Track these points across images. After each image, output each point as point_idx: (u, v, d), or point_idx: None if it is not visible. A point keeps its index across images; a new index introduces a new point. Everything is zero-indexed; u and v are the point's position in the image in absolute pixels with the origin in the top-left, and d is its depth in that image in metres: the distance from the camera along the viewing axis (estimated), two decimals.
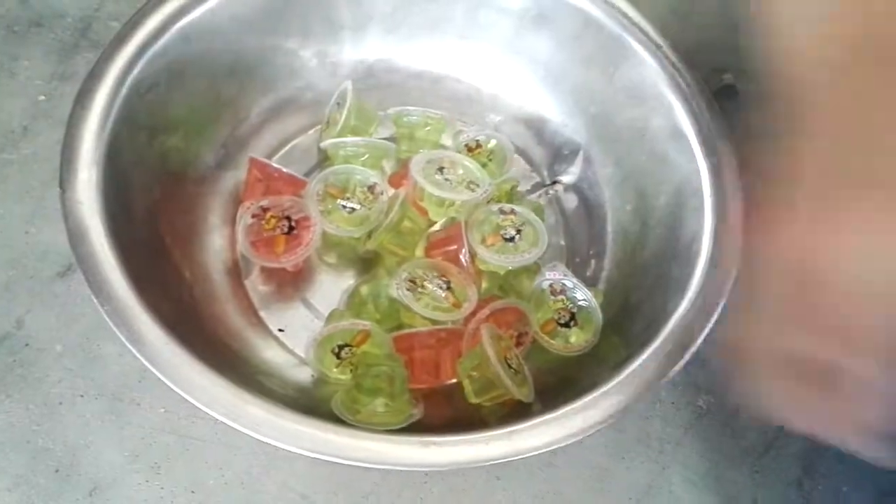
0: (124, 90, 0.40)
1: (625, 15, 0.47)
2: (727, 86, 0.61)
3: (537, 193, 0.52)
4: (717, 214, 0.42)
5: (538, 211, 0.49)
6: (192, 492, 0.41)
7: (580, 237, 0.50)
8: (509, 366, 0.39)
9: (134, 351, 0.34)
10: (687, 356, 0.38)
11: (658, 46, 0.47)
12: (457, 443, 0.34)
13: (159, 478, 0.41)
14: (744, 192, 0.42)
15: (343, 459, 0.33)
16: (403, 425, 0.37)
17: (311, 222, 0.43)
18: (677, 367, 0.37)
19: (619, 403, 0.36)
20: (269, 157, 0.50)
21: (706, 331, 0.38)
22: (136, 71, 0.41)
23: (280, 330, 0.45)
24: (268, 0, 0.46)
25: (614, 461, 0.44)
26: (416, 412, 0.38)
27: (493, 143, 0.50)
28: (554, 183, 0.52)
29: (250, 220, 0.43)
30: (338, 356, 0.41)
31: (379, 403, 0.37)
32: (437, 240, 0.46)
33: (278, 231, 0.43)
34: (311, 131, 0.52)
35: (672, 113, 0.46)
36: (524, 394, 0.38)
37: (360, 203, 0.45)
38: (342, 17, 0.49)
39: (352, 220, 0.45)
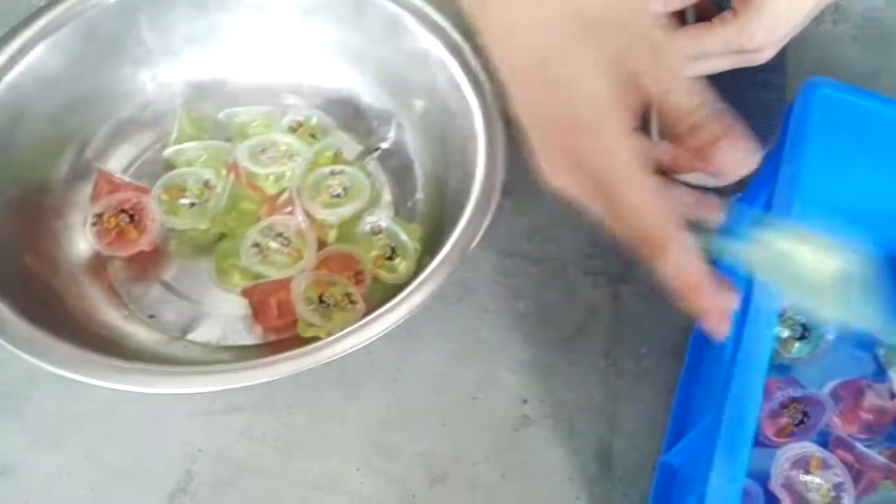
0: None
1: None
2: None
3: (365, 160, 0.60)
4: (487, 140, 0.50)
5: (364, 172, 0.57)
6: (88, 458, 0.48)
7: (403, 189, 0.58)
8: (325, 302, 0.47)
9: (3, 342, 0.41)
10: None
11: (430, 17, 0.55)
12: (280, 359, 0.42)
13: (58, 453, 0.48)
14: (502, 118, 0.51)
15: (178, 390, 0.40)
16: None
17: (144, 207, 0.51)
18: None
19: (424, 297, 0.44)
20: (122, 172, 0.57)
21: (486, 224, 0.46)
22: None
23: (151, 316, 0.53)
24: (85, 40, 0.54)
25: (451, 366, 0.52)
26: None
27: (314, 120, 0.58)
28: (376, 150, 0.60)
29: (93, 228, 0.51)
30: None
31: None
32: (278, 205, 0.54)
33: (123, 224, 0.50)
34: (157, 145, 0.59)
35: (450, 71, 0.54)
36: (331, 327, 0.46)
37: (196, 198, 0.53)
38: (151, 44, 0.57)
39: (192, 214, 0.53)
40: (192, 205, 0.53)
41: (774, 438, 0.48)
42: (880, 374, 0.52)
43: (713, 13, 0.47)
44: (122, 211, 0.51)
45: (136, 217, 0.51)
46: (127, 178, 0.54)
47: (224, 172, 0.55)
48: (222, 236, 0.54)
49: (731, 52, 0.45)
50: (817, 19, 0.72)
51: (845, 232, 0.55)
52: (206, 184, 0.54)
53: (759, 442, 0.48)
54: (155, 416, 0.49)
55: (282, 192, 0.55)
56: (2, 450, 0.47)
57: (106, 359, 0.43)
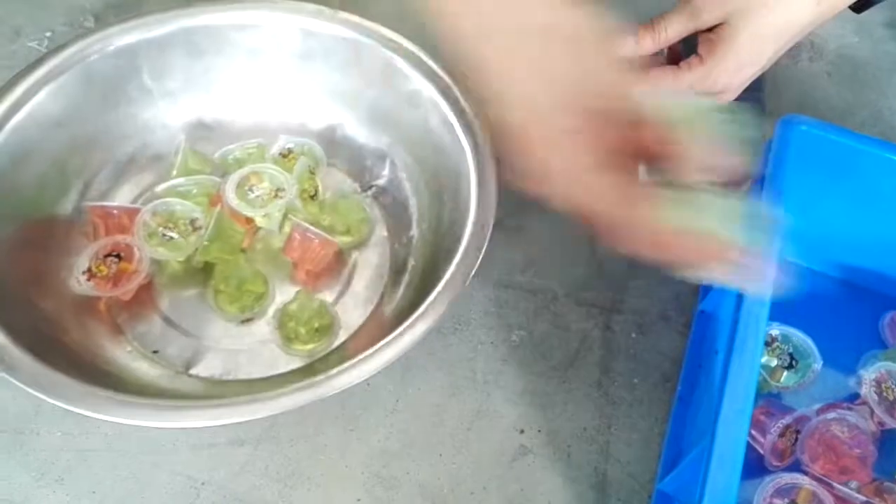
0: None
1: (390, 39, 0.58)
2: None
3: (360, 198, 0.62)
4: (478, 176, 0.52)
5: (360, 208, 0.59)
6: (93, 492, 0.48)
7: (398, 226, 0.60)
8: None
9: (10, 378, 0.42)
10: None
11: (422, 60, 0.58)
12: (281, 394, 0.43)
13: (64, 488, 0.48)
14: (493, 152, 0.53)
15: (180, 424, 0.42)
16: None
17: (127, 244, 0.53)
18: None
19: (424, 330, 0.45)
20: None
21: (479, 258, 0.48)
22: None
23: (154, 351, 0.54)
24: (86, 84, 0.55)
25: (448, 398, 0.54)
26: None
27: (305, 148, 0.60)
28: (371, 188, 0.62)
29: (89, 283, 0.52)
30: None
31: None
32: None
33: (114, 266, 0.52)
34: (157, 185, 0.60)
35: (441, 111, 0.56)
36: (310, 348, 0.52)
37: (178, 234, 0.55)
38: (150, 87, 0.59)
39: (171, 246, 0.55)
40: (171, 238, 0.55)
41: (779, 464, 0.50)
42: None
43: (683, 55, 0.49)
44: (108, 255, 0.52)
45: (124, 254, 0.53)
46: (116, 203, 0.56)
47: (208, 204, 0.57)
48: (206, 265, 0.56)
49: (700, 91, 0.48)
50: (794, 57, 0.75)
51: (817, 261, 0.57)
52: (193, 223, 0.55)
53: (769, 471, 0.49)
54: (159, 450, 0.50)
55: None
56: (9, 484, 0.48)
57: (110, 393, 0.44)
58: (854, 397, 0.53)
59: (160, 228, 0.55)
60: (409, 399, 0.53)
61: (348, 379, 0.43)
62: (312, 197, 0.59)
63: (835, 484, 0.47)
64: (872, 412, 0.51)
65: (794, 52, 0.75)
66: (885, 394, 0.52)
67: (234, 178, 0.57)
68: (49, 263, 0.53)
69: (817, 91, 0.73)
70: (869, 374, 0.52)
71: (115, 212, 0.55)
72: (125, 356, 0.52)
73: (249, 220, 0.56)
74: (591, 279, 0.60)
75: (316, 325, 0.53)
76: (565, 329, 0.57)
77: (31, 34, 0.70)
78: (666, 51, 0.51)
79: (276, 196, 0.56)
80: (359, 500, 0.49)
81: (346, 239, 0.58)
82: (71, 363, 0.46)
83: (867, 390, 0.51)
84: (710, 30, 0.47)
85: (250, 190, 0.56)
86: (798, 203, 0.50)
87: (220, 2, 0.59)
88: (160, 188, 0.57)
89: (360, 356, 0.44)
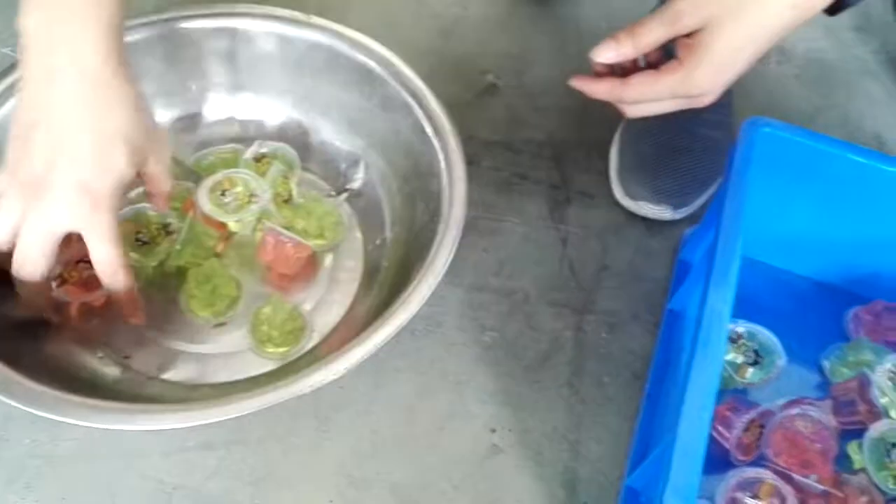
0: None
1: (363, 45, 0.59)
2: (490, 84, 0.73)
3: (335, 201, 0.62)
4: (448, 179, 0.53)
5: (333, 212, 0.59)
6: (63, 498, 0.48)
7: (372, 228, 0.60)
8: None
9: None
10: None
11: (394, 65, 0.58)
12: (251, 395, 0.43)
13: (32, 494, 0.48)
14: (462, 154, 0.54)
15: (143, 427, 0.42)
16: None
17: None
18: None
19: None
20: None
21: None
22: None
23: (125, 357, 0.54)
24: None
25: (421, 398, 0.54)
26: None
27: (279, 152, 0.61)
28: (345, 191, 0.62)
29: (60, 289, 0.52)
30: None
31: None
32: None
33: (85, 273, 0.52)
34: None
35: (413, 115, 0.57)
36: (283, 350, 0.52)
37: (151, 239, 0.55)
38: None
39: (143, 251, 0.55)
40: (143, 243, 0.55)
41: (745, 458, 0.50)
42: (824, 385, 0.55)
43: (663, 60, 0.50)
44: (80, 261, 0.52)
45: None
46: None
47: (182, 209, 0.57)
48: (179, 270, 0.56)
49: (677, 96, 0.49)
50: (763, 60, 0.77)
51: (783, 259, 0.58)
52: (166, 228, 0.56)
53: (733, 465, 0.50)
54: (129, 456, 0.50)
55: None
56: None
57: (79, 398, 0.44)
58: (819, 391, 0.54)
59: (133, 234, 0.55)
60: (382, 400, 0.54)
61: (317, 378, 0.44)
62: (286, 201, 0.59)
63: (796, 477, 0.48)
64: (834, 408, 0.52)
65: (762, 56, 0.76)
66: None
67: (207, 183, 0.57)
68: None
69: (786, 94, 0.74)
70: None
71: None
72: (96, 362, 0.52)
73: (223, 226, 0.56)
74: (562, 280, 0.60)
75: (289, 328, 0.54)
76: (537, 330, 0.58)
77: (6, 40, 0.70)
78: (644, 57, 0.52)
79: (249, 201, 0.56)
80: (331, 501, 0.50)
81: (320, 242, 0.58)
82: (42, 369, 0.46)
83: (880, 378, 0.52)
84: (688, 35, 0.48)
85: (223, 195, 0.56)
86: (763, 203, 0.52)
87: (194, 8, 0.59)
88: (133, 193, 0.57)
89: (329, 356, 0.45)
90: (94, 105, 0.45)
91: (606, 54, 0.50)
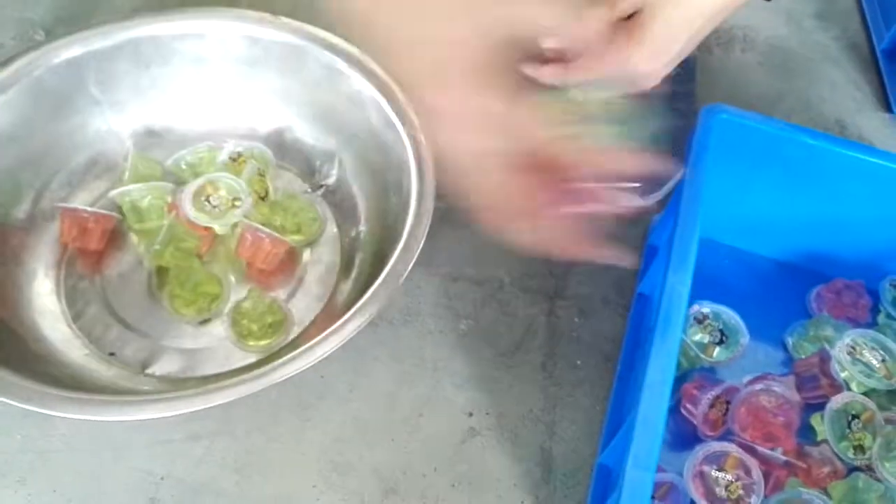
0: None
1: (331, 43, 0.60)
2: None
3: (311, 197, 0.64)
4: (418, 171, 0.54)
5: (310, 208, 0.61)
6: (55, 491, 0.50)
7: (347, 222, 0.62)
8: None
9: None
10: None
11: (361, 62, 0.60)
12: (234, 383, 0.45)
13: (25, 487, 0.50)
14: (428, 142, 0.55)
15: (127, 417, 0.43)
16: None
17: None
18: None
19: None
20: None
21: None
22: None
23: (111, 353, 0.55)
24: (34, 96, 0.57)
25: (400, 385, 0.56)
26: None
27: (255, 151, 0.62)
28: (321, 187, 0.64)
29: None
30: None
31: None
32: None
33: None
34: (110, 192, 0.62)
35: (382, 110, 0.59)
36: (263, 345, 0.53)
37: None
38: (99, 97, 0.60)
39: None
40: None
41: (713, 433, 0.52)
42: (788, 362, 0.57)
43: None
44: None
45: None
46: (91, 209, 0.58)
47: (166, 210, 0.59)
48: (160, 269, 0.57)
49: (620, 78, 0.51)
50: (727, 48, 0.79)
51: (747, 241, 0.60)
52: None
53: (701, 440, 0.52)
54: (117, 448, 0.51)
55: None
56: None
57: (66, 392, 0.45)
58: (784, 367, 0.57)
59: None
60: (362, 388, 0.55)
61: (296, 366, 0.45)
62: (263, 198, 0.61)
63: (760, 449, 0.50)
64: (797, 383, 0.54)
65: (726, 44, 0.79)
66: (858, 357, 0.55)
67: (190, 189, 0.58)
68: (3, 270, 0.54)
69: (749, 80, 0.76)
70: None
71: (84, 215, 0.57)
72: (82, 359, 0.54)
73: (207, 228, 0.58)
74: (535, 267, 0.62)
75: (269, 321, 0.55)
76: (511, 316, 0.60)
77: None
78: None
79: (233, 205, 0.57)
80: (314, 486, 0.51)
81: (297, 237, 0.60)
82: (28, 366, 0.48)
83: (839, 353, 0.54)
84: (627, 18, 0.49)
85: (208, 200, 0.57)
86: (724, 188, 0.54)
87: (164, 13, 0.60)
88: (113, 193, 0.59)
89: (306, 345, 0.46)
90: None
91: (551, 41, 0.52)
